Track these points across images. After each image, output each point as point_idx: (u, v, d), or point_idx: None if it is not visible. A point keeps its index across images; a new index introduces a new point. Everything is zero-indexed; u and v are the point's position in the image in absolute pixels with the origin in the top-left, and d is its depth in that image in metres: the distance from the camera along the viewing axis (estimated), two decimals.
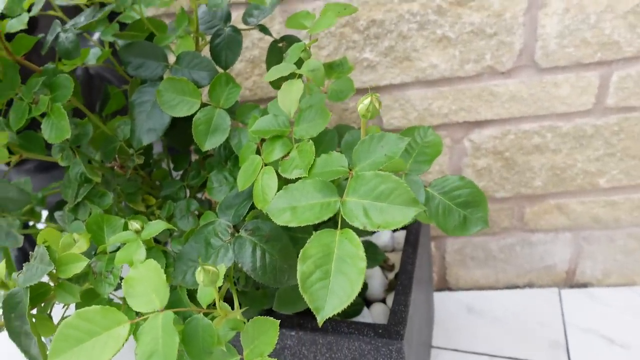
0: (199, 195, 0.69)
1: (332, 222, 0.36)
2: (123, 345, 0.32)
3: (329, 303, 0.32)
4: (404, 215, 0.32)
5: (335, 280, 0.32)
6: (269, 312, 0.63)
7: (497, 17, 0.78)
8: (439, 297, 1.04)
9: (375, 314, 0.73)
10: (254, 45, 0.85)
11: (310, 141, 0.42)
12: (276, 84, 0.61)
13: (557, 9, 0.76)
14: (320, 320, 0.32)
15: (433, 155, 0.52)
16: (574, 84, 0.82)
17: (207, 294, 0.39)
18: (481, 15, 0.78)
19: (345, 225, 0.35)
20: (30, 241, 0.95)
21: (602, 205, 0.93)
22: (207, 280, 0.33)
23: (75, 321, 0.33)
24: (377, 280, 0.78)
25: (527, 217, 0.96)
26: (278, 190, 0.42)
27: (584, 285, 1.02)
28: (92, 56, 0.64)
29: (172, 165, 0.67)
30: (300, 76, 0.44)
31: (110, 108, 0.64)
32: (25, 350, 0.41)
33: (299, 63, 0.46)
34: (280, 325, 0.61)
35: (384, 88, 0.87)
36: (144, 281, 0.35)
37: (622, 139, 0.86)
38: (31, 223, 0.73)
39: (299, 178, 0.41)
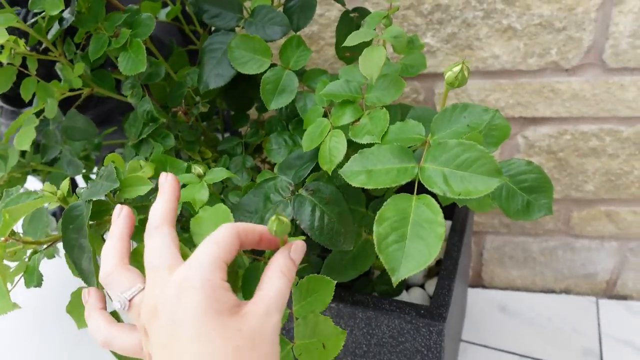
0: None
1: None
2: None
3: (405, 265, 0.32)
4: (487, 185, 0.32)
5: (411, 244, 0.32)
6: None
7: (568, 10, 0.75)
8: (473, 293, 1.03)
9: (414, 298, 0.72)
10: (314, 21, 0.85)
11: (385, 109, 0.42)
12: (342, 54, 0.61)
13: (634, 7, 0.73)
14: (394, 281, 0.32)
15: (500, 138, 0.51)
16: None
17: None
18: (552, 7, 0.76)
19: (422, 192, 0.34)
20: None
21: None
22: (280, 229, 0.33)
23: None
24: None
25: (574, 221, 0.93)
26: (345, 154, 0.42)
27: (624, 297, 0.99)
28: (162, 12, 0.65)
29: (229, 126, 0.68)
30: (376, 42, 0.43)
31: (174, 63, 0.65)
32: (76, 263, 0.42)
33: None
34: None
35: (441, 75, 0.85)
36: (211, 221, 0.35)
37: None
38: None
39: (370, 144, 0.40)
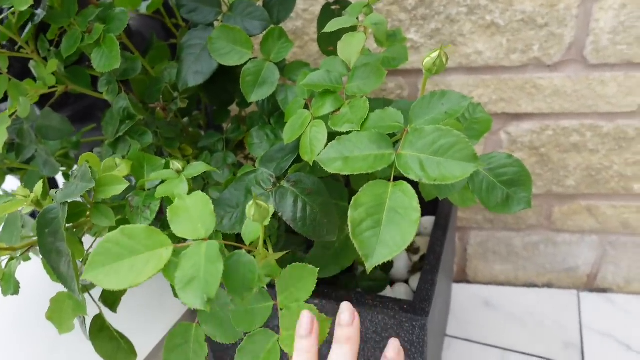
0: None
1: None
2: (164, 267, 0.31)
3: (378, 251, 0.32)
4: (463, 170, 0.32)
5: (386, 230, 0.32)
6: None
7: (550, 7, 0.76)
8: (457, 288, 1.04)
9: (398, 293, 0.73)
10: (298, 16, 0.84)
11: (364, 97, 0.42)
12: (325, 47, 0.61)
13: (614, 3, 0.74)
14: (368, 267, 0.32)
15: (482, 131, 0.51)
16: (622, 84, 0.80)
17: (252, 230, 0.39)
18: (534, 3, 0.76)
19: (398, 178, 0.34)
20: None
21: (634, 211, 0.91)
22: (258, 215, 0.33)
23: (117, 237, 0.32)
24: (402, 261, 0.77)
25: (555, 216, 0.94)
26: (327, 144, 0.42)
27: (604, 290, 1.00)
28: (143, 5, 0.64)
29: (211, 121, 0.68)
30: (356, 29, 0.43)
31: (153, 58, 0.64)
32: (54, 267, 0.41)
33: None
34: None
35: None
36: (190, 211, 0.35)
37: None
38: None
39: (350, 132, 0.40)
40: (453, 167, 0.32)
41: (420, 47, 0.83)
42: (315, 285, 0.39)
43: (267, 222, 0.35)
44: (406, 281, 0.76)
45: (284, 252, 0.42)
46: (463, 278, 1.07)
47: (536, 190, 0.92)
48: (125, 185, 0.42)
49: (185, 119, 0.72)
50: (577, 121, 0.85)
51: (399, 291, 0.73)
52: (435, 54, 0.35)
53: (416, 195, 0.33)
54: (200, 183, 0.56)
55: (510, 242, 1.00)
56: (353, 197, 0.33)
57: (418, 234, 0.86)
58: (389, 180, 0.34)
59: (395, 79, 0.87)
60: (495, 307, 0.99)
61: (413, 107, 0.38)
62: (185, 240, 0.35)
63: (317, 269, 0.39)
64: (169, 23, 0.66)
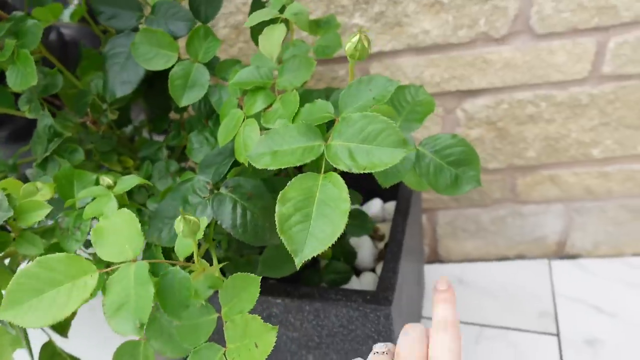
0: (183, 164, 0.67)
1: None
2: (91, 296, 0.29)
3: (308, 245, 0.31)
4: (392, 157, 0.31)
5: (316, 223, 0.31)
6: None
7: None
8: (431, 270, 1.04)
9: (365, 283, 0.72)
10: (239, 10, 0.82)
11: (295, 91, 0.40)
12: (257, 39, 0.58)
13: None
14: (298, 262, 0.31)
15: (424, 113, 0.50)
16: (570, 51, 0.80)
17: (185, 245, 0.37)
18: None
19: (329, 169, 0.33)
20: None
21: (595, 176, 0.91)
22: (187, 230, 0.31)
23: (34, 270, 0.30)
24: (367, 249, 0.76)
25: (519, 188, 0.95)
26: None
27: (574, 256, 1.01)
28: (67, 13, 0.61)
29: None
30: (282, 21, 0.41)
31: (86, 69, 0.61)
32: None
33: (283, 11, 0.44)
34: (267, 293, 0.60)
35: (375, 55, 0.84)
36: (115, 231, 0.33)
37: (617, 108, 0.84)
38: None
39: None
40: (382, 154, 0.31)
41: (367, 32, 0.82)
42: (258, 295, 0.37)
43: (200, 236, 0.34)
44: (373, 270, 0.75)
45: (225, 263, 0.40)
46: (435, 258, 1.07)
47: (498, 165, 0.92)
48: (47, 209, 0.39)
49: (130, 128, 0.70)
50: (530, 92, 0.84)
51: (366, 281, 0.72)
52: (355, 39, 0.34)
53: (345, 186, 0.31)
54: (144, 195, 0.54)
55: (478, 219, 1.00)
56: (280, 192, 0.32)
57: (382, 220, 0.85)
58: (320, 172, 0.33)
59: (344, 66, 0.86)
60: (469, 284, 0.99)
61: (342, 95, 0.36)
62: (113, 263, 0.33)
63: (260, 278, 0.38)
64: (96, 30, 0.63)
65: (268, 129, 0.40)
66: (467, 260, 1.05)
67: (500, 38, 0.80)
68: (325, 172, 0.34)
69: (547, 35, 0.79)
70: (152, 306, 0.31)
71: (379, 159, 0.31)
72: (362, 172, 0.31)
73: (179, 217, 0.32)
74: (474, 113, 0.87)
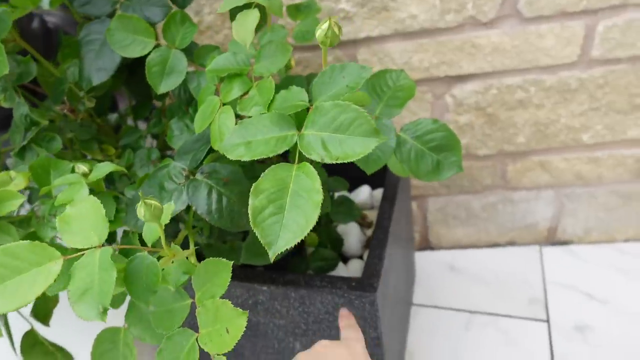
0: (170, 152, 0.66)
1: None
2: (55, 282, 0.29)
3: (282, 237, 0.30)
4: (364, 147, 0.30)
5: (289, 215, 0.30)
6: (240, 268, 0.61)
7: None
8: (421, 257, 1.04)
9: (353, 270, 0.71)
10: None
11: (270, 78, 0.39)
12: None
13: None
14: (272, 255, 0.30)
15: (405, 98, 0.49)
16: (559, 35, 0.79)
17: (151, 231, 0.37)
18: None
19: (303, 159, 0.32)
20: None
21: (585, 162, 0.91)
22: (149, 214, 0.31)
23: None
24: (355, 236, 0.76)
25: (510, 174, 0.94)
26: None
27: (565, 242, 1.01)
28: (46, 1, 0.60)
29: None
30: (256, 6, 0.40)
31: (66, 56, 0.60)
32: None
33: None
34: (252, 280, 0.60)
35: (362, 41, 0.83)
36: (81, 218, 0.32)
37: (607, 93, 0.83)
38: None
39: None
40: (354, 144, 0.30)
41: (354, 17, 0.80)
42: (229, 279, 0.37)
43: (166, 221, 0.33)
44: (361, 257, 0.75)
45: (195, 247, 0.40)
46: (426, 245, 1.07)
47: (488, 151, 0.92)
48: (21, 199, 0.39)
49: (115, 116, 0.69)
50: (519, 77, 0.84)
51: (353, 268, 0.72)
52: (325, 25, 0.33)
53: (318, 177, 0.31)
54: (126, 183, 0.53)
55: (468, 205, 0.99)
56: (253, 184, 0.31)
57: (371, 207, 0.85)
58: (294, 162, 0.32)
59: (333, 52, 0.85)
60: (460, 271, 0.99)
61: (315, 83, 0.36)
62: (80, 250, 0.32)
63: (231, 262, 0.38)
64: (77, 17, 0.62)
65: (245, 117, 0.39)
66: (457, 247, 1.05)
67: (489, 22, 0.79)
68: (299, 162, 0.33)
69: (536, 18, 0.78)
70: (112, 290, 0.30)
71: (351, 149, 0.30)
72: (335, 162, 0.30)
73: (140, 202, 0.31)
74: (463, 99, 0.87)
